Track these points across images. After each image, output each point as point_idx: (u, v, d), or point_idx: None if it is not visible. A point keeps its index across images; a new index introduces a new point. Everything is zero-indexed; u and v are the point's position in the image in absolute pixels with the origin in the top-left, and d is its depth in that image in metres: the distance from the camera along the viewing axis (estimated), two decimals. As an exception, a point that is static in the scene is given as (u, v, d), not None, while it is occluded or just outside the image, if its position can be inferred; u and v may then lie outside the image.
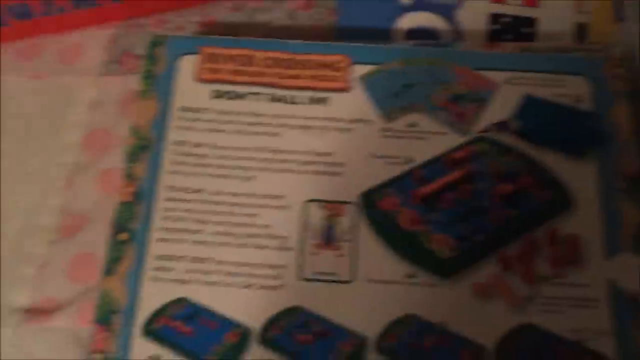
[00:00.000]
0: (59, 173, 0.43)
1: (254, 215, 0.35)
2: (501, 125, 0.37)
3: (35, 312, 0.40)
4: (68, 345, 0.37)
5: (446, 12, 0.42)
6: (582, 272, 0.34)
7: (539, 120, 0.37)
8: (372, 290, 0.33)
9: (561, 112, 0.37)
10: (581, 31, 0.41)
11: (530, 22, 0.42)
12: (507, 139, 0.37)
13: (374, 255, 0.34)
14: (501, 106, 0.37)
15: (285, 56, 0.38)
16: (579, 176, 0.36)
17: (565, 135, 0.37)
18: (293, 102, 0.38)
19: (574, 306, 0.33)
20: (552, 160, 0.36)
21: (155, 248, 0.34)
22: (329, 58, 0.38)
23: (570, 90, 0.38)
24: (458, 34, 0.41)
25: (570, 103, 0.37)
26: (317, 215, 0.35)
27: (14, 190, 0.43)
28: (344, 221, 0.35)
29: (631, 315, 0.33)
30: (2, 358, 0.38)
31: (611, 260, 0.34)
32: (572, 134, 0.37)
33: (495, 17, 0.42)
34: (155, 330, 0.32)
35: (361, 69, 0.38)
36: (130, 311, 0.33)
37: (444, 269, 0.34)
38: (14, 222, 0.42)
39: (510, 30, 0.42)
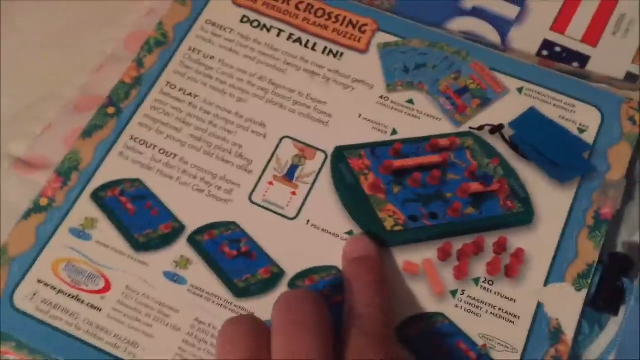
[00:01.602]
0: (96, 58, 0.47)
1: (232, 132, 0.37)
2: (495, 129, 0.37)
3: (25, 163, 0.43)
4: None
5: (502, 26, 0.42)
6: (515, 287, 0.33)
7: (534, 135, 0.36)
8: (309, 234, 0.34)
9: (559, 134, 0.36)
10: (629, 81, 0.40)
11: (582, 58, 0.41)
12: (496, 142, 0.36)
13: (324, 204, 0.35)
14: (503, 111, 0.37)
15: (319, 5, 0.40)
16: (552, 198, 0.35)
17: (555, 157, 0.36)
18: (310, 48, 0.39)
19: (494, 315, 0.32)
20: (532, 176, 0.35)
21: (133, 129, 0.36)
22: (359, 19, 0.39)
23: (579, 117, 0.37)
24: (506, 50, 0.41)
25: (573, 129, 0.37)
26: (288, 151, 0.36)
27: (52, 59, 0.46)
28: (310, 165, 0.36)
29: (547, 345, 0.32)
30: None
31: (549, 286, 0.33)
32: (561, 159, 0.36)
33: (548, 44, 0.41)
34: (103, 197, 0.35)
35: (384, 37, 0.39)
36: (88, 174, 0.35)
37: (384, 239, 0.34)
38: (40, 87, 0.46)
39: (559, 61, 0.41)
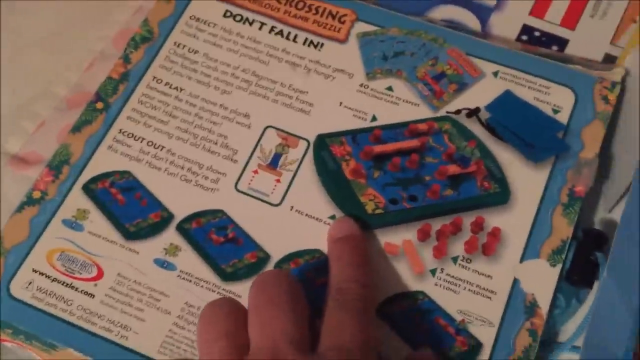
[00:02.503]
0: (86, 56, 0.48)
1: (217, 124, 0.38)
2: (471, 112, 0.38)
3: (20, 160, 0.45)
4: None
5: (482, 13, 0.43)
6: (491, 264, 0.34)
7: (510, 117, 0.38)
8: (294, 220, 0.35)
9: (533, 116, 0.38)
10: (607, 63, 0.41)
11: (561, 42, 0.42)
12: (473, 125, 0.38)
13: (307, 191, 0.36)
14: (479, 95, 0.38)
15: (299, -3, 0.41)
16: (528, 178, 0.36)
17: (529, 138, 0.37)
18: (291, 39, 0.40)
19: (471, 291, 0.34)
20: (508, 157, 0.37)
21: (122, 123, 0.38)
22: (338, 10, 0.41)
23: (553, 98, 0.38)
24: (486, 37, 0.42)
25: (547, 110, 0.38)
26: (271, 140, 0.37)
27: (44, 58, 0.48)
28: (293, 153, 0.37)
29: (523, 319, 0.33)
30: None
31: (524, 262, 0.34)
32: (536, 139, 0.37)
33: (527, 29, 0.42)
34: (94, 189, 0.36)
35: (363, 27, 0.40)
36: (79, 167, 0.36)
37: (366, 222, 0.35)
38: (34, 85, 0.47)
39: (538, 45, 0.41)
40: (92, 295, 0.33)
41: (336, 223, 0.35)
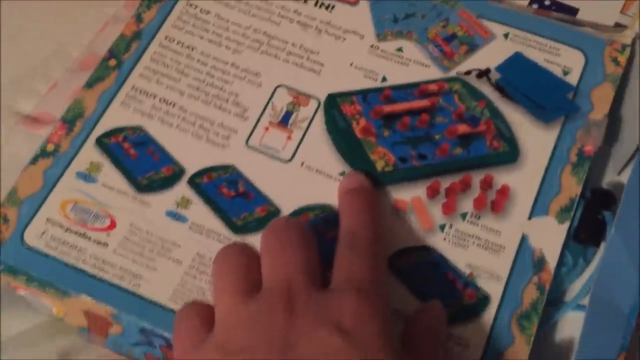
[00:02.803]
0: (99, 19, 0.48)
1: (229, 82, 0.38)
2: (482, 73, 0.38)
3: (33, 120, 0.45)
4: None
5: None
6: (500, 220, 0.35)
7: (520, 78, 0.38)
8: (304, 175, 0.36)
9: (543, 77, 0.38)
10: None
11: (571, 10, 0.42)
12: (483, 86, 0.38)
13: (318, 148, 0.36)
14: (489, 57, 0.38)
15: (312, -40, 0.41)
16: (537, 138, 0.36)
17: (539, 99, 0.37)
18: (302, 1, 0.40)
19: (480, 246, 0.34)
20: (518, 117, 0.37)
21: (134, 80, 0.38)
22: (350, -28, 0.41)
23: (563, 60, 0.38)
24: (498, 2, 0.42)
25: (557, 72, 0.38)
26: (283, 99, 0.38)
27: (57, 20, 0.48)
28: (304, 111, 0.37)
29: (531, 273, 0.33)
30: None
31: (533, 219, 0.35)
32: (546, 100, 0.37)
33: None
34: (107, 144, 0.36)
35: (374, -11, 0.40)
36: (92, 121, 0.37)
37: (376, 179, 0.35)
38: (47, 47, 0.47)
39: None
40: (105, 245, 0.34)
41: (347, 177, 0.35)
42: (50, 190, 0.35)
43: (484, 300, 0.33)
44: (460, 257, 0.34)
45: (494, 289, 0.33)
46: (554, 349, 0.35)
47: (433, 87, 0.38)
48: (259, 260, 0.30)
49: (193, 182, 0.35)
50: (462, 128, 0.37)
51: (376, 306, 0.28)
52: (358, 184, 0.34)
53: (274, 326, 0.27)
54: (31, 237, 0.34)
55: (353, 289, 0.28)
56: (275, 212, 0.35)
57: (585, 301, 0.35)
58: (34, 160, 0.36)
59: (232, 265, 0.29)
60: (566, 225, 0.34)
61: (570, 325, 0.36)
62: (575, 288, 0.36)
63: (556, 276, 0.34)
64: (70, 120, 0.37)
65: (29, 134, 0.45)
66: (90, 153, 0.36)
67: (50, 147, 0.36)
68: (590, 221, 0.35)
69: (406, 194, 0.35)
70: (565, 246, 0.34)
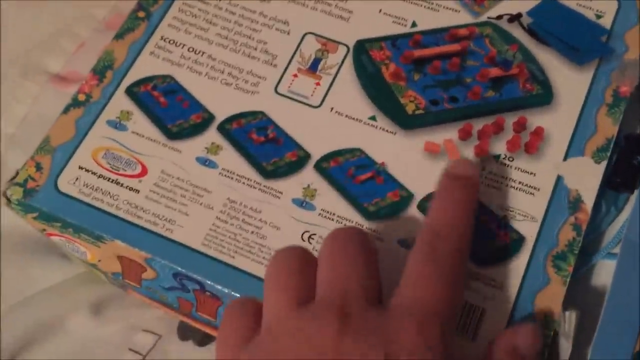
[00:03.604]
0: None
1: (257, 30, 0.38)
2: (513, 17, 0.37)
3: (61, 79, 0.46)
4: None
5: None
6: (534, 161, 0.34)
7: (552, 22, 0.37)
8: (333, 120, 0.36)
9: (576, 20, 0.37)
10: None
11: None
12: (515, 31, 0.37)
13: (347, 93, 0.36)
14: (520, 2, 0.38)
15: None
16: (571, 80, 0.36)
17: (573, 41, 0.36)
18: (330, -51, 0.40)
19: (514, 188, 0.34)
20: (551, 60, 0.36)
21: (163, 30, 0.38)
22: None
23: (596, 4, 0.37)
24: None
25: (590, 16, 0.37)
26: (311, 46, 0.37)
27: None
28: (333, 58, 0.37)
29: (567, 214, 0.33)
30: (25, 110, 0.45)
31: (568, 160, 0.34)
32: (579, 43, 0.36)
33: None
34: (137, 92, 0.36)
35: (402, -64, 0.40)
36: (122, 71, 0.37)
37: (406, 122, 0.35)
38: (74, 7, 0.48)
39: None
40: (137, 191, 0.34)
41: (457, 162, 0.33)
42: (82, 138, 0.35)
43: (519, 241, 0.32)
44: (494, 199, 0.33)
45: (529, 230, 0.33)
46: (585, 297, 0.35)
47: (464, 32, 0.37)
48: (316, 266, 0.28)
49: (223, 128, 0.35)
50: (494, 71, 0.36)
51: (438, 340, 0.26)
52: (466, 173, 0.32)
53: (324, 342, 0.25)
54: (65, 184, 0.34)
55: (416, 315, 0.26)
56: (305, 156, 0.35)
57: (617, 250, 0.35)
58: (66, 110, 0.36)
59: (288, 268, 0.28)
60: (603, 165, 0.34)
61: (600, 273, 0.35)
62: (606, 236, 0.35)
63: (592, 220, 0.33)
64: (100, 70, 0.37)
65: (58, 92, 0.45)
66: (120, 102, 0.36)
67: (81, 97, 0.36)
68: (624, 167, 0.34)
69: (438, 137, 0.35)
70: (600, 190, 0.34)
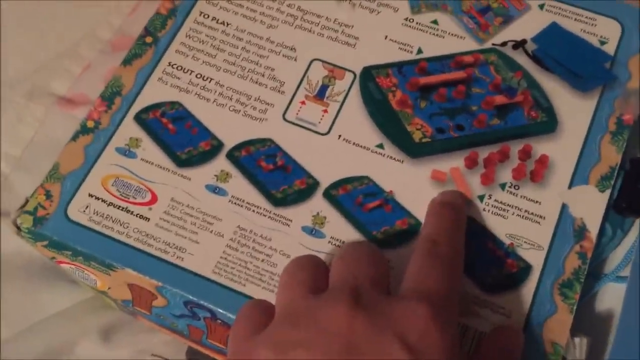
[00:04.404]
0: (128, 3, 0.48)
1: (264, 57, 0.38)
2: (518, 44, 0.38)
3: (67, 101, 0.46)
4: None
5: None
6: (539, 190, 0.35)
7: (556, 48, 0.38)
8: (341, 148, 0.36)
9: (580, 47, 0.38)
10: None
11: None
12: (519, 57, 0.38)
13: (354, 120, 0.37)
14: (525, 27, 0.38)
15: None
16: (575, 107, 0.36)
17: (577, 68, 0.37)
18: (336, -25, 0.40)
19: (519, 216, 0.34)
20: (555, 87, 0.37)
21: (170, 56, 0.38)
22: (382, -55, 0.41)
23: (600, 30, 0.38)
24: None
25: (594, 42, 0.38)
26: (318, 72, 0.38)
27: (89, 3, 0.48)
28: (340, 84, 0.38)
29: (572, 242, 0.33)
30: (31, 132, 0.45)
31: (573, 188, 0.34)
32: (583, 69, 0.37)
33: None
34: (145, 119, 0.37)
35: (407, -38, 0.40)
36: (131, 98, 0.37)
37: (413, 150, 0.36)
38: (79, 30, 0.48)
39: None
40: (147, 219, 0.34)
41: (443, 192, 0.34)
42: (92, 165, 0.35)
43: (526, 269, 0.33)
44: (501, 227, 0.34)
45: (535, 258, 0.33)
46: (593, 321, 0.35)
47: (469, 59, 0.38)
48: (328, 267, 0.30)
49: (232, 155, 0.36)
50: (499, 99, 0.37)
51: (445, 324, 0.27)
52: (453, 199, 0.33)
53: (335, 321, 0.26)
54: (75, 212, 0.34)
55: (423, 300, 0.27)
56: (314, 184, 0.35)
57: (625, 272, 0.35)
58: (75, 137, 0.36)
59: (301, 264, 0.29)
60: (607, 193, 0.34)
61: (610, 296, 0.36)
62: (613, 259, 0.36)
63: (597, 245, 0.34)
64: (109, 97, 0.37)
65: (64, 114, 0.45)
66: (129, 129, 0.36)
67: (90, 124, 0.36)
68: (630, 191, 0.35)
69: (444, 165, 0.35)
70: (605, 217, 0.34)
